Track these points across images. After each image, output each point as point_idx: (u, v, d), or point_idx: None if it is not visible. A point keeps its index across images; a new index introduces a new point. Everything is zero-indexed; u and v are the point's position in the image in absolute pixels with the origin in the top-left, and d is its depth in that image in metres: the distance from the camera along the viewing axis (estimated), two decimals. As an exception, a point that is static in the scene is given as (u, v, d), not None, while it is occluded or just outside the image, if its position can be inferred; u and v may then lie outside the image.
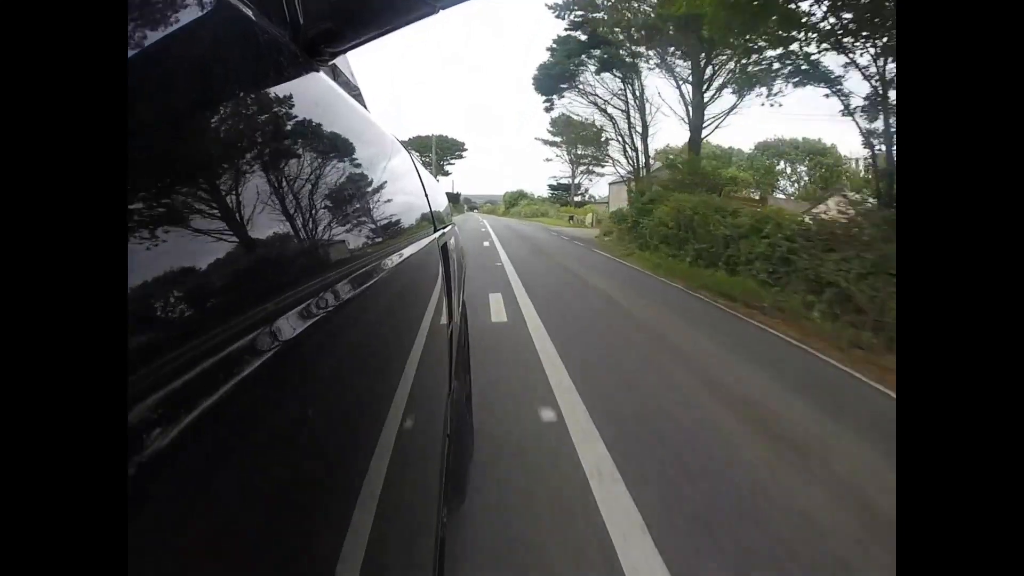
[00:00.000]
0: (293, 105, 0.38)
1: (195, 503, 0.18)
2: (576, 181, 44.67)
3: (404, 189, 0.81)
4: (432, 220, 1.05)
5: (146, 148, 0.19)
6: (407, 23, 0.48)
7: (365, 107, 0.88)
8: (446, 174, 56.58)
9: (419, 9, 0.47)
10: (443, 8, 0.47)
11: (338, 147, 0.48)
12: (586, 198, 46.55)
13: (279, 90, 0.36)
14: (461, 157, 55.31)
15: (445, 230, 1.33)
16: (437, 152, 52.06)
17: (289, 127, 0.35)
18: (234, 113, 0.28)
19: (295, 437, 0.27)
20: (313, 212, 0.35)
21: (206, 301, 0.20)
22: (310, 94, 0.45)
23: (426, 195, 1.04)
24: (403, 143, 1.04)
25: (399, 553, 0.46)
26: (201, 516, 0.18)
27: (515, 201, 47.02)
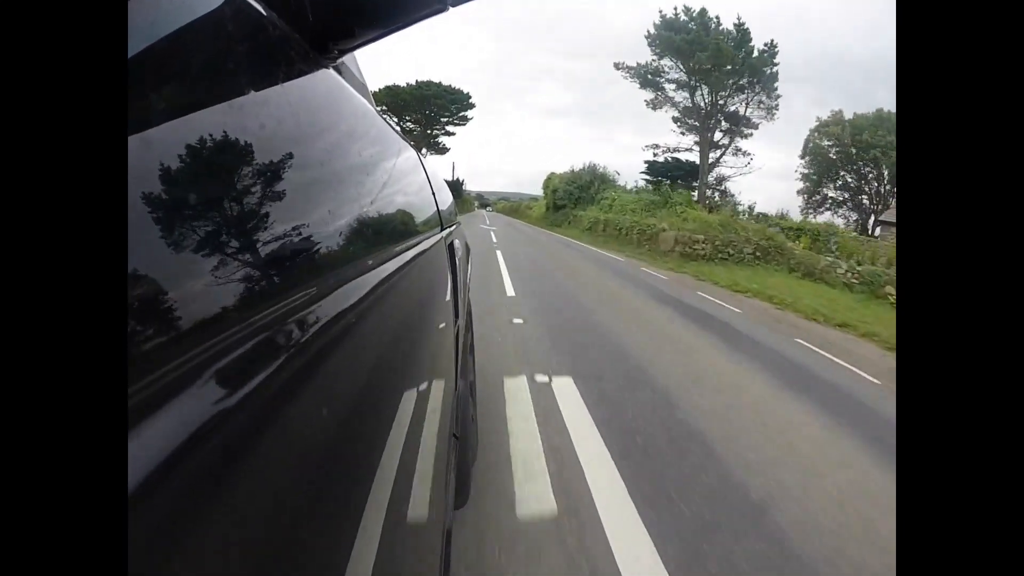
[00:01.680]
0: (301, 102, 0.38)
1: (204, 500, 0.18)
2: (718, 156, 21.28)
3: (411, 187, 0.81)
4: (439, 218, 1.06)
5: (152, 144, 0.19)
6: (417, 20, 0.48)
7: (372, 104, 0.88)
8: (442, 150, 35.17)
9: (429, 6, 0.47)
10: (453, 5, 0.47)
11: (346, 146, 0.48)
12: (722, 193, 22.02)
13: (287, 87, 0.36)
14: (465, 120, 34.34)
15: (451, 228, 1.33)
16: (432, 111, 32.33)
17: (297, 125, 0.35)
18: (242, 110, 0.28)
19: (305, 438, 0.27)
20: (321, 211, 0.34)
21: (211, 303, 0.20)
22: (319, 92, 0.45)
23: (433, 192, 1.04)
24: (402, 137, 1.04)
25: (408, 551, 0.47)
26: (211, 514, 0.18)
27: (578, 193, 19.93)
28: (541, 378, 2.94)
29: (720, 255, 10.91)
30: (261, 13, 0.36)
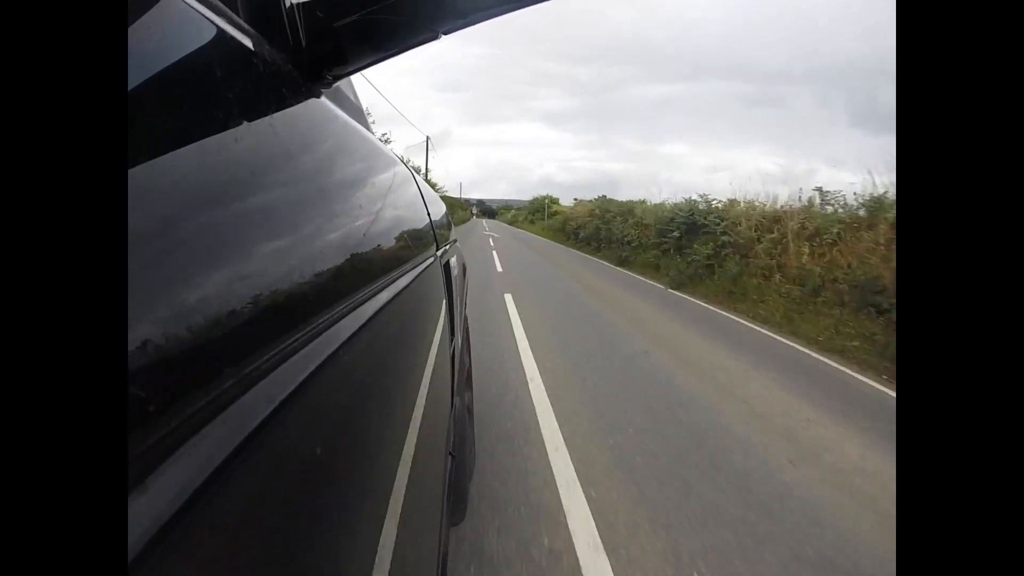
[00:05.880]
0: (293, 132, 0.38)
1: (201, 523, 0.18)
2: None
3: (406, 210, 0.82)
4: (434, 238, 1.06)
5: (142, 177, 0.19)
6: (409, 48, 0.49)
7: (367, 126, 0.89)
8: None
9: (421, 34, 0.48)
10: (445, 34, 0.48)
11: (338, 175, 0.49)
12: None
13: (279, 117, 0.36)
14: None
15: (447, 247, 1.33)
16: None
17: (289, 156, 0.35)
18: (233, 141, 0.28)
19: (301, 464, 0.27)
20: (317, 242, 0.35)
21: (204, 347, 0.20)
22: (312, 120, 0.45)
23: (428, 213, 1.05)
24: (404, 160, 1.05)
25: (405, 569, 0.46)
26: (207, 532, 0.18)
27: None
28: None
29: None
30: (252, 43, 0.37)
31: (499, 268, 9.79)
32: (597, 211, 17.47)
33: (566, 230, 21.44)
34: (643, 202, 15.07)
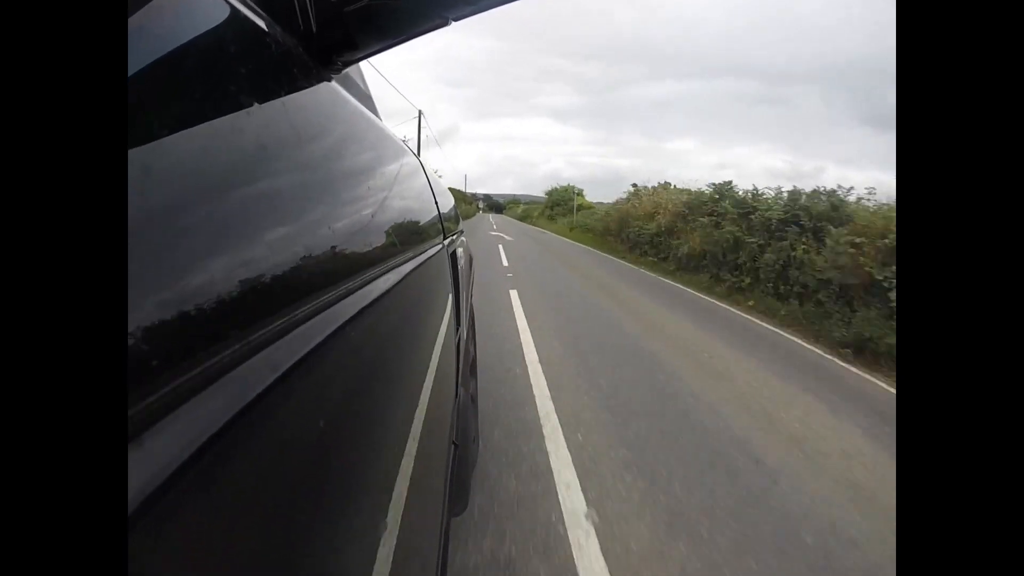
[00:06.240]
0: (303, 115, 0.39)
1: (203, 507, 0.18)
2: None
3: (414, 197, 0.82)
4: (441, 227, 1.06)
5: (152, 157, 0.19)
6: (419, 34, 0.49)
7: (376, 113, 0.88)
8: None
9: (431, 20, 0.48)
10: (455, 20, 0.48)
11: (348, 158, 0.49)
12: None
13: (289, 100, 0.36)
14: None
15: (454, 237, 1.33)
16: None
17: (298, 137, 0.36)
18: (243, 123, 0.28)
19: (303, 443, 0.27)
20: (323, 225, 0.35)
21: (210, 316, 0.20)
22: (321, 104, 0.45)
23: (435, 201, 1.05)
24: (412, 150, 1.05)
25: (404, 556, 0.47)
26: (210, 520, 0.18)
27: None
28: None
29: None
30: (263, 26, 0.37)
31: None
32: (728, 209, 8.67)
33: (623, 235, 13.58)
34: (836, 193, 7.17)
